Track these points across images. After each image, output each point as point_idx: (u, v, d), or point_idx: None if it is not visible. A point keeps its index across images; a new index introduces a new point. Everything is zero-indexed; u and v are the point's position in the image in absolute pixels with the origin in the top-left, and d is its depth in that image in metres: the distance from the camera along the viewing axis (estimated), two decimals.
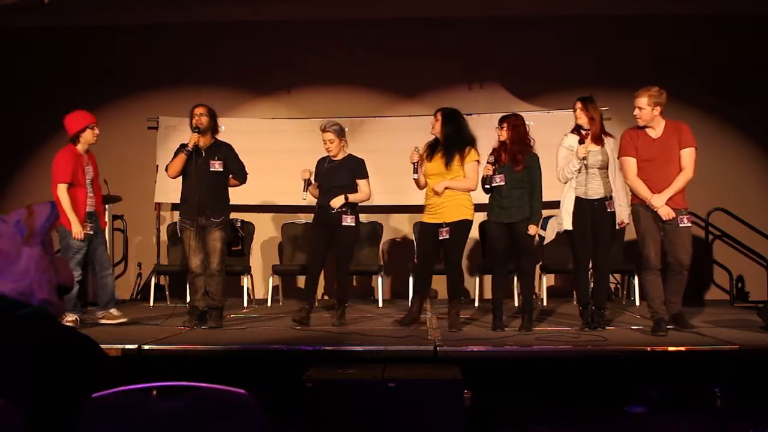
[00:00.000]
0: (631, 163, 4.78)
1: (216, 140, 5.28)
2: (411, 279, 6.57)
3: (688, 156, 4.72)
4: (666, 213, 4.64)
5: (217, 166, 5.17)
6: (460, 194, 5.05)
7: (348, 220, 5.22)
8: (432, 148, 5.14)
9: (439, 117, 5.08)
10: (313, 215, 5.50)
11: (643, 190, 4.71)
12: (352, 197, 5.23)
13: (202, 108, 5.24)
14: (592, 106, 4.90)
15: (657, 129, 4.76)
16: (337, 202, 5.19)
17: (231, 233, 6.77)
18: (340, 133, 5.32)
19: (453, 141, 5.05)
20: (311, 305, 5.32)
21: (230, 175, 5.31)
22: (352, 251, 5.46)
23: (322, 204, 5.29)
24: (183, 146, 5.20)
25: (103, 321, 5.28)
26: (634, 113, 4.76)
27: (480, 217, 7.68)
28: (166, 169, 5.28)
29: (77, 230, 5.05)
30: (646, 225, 4.72)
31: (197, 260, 5.22)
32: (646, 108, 4.69)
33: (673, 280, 4.77)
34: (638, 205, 4.77)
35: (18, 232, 1.58)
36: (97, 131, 5.28)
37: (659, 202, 4.64)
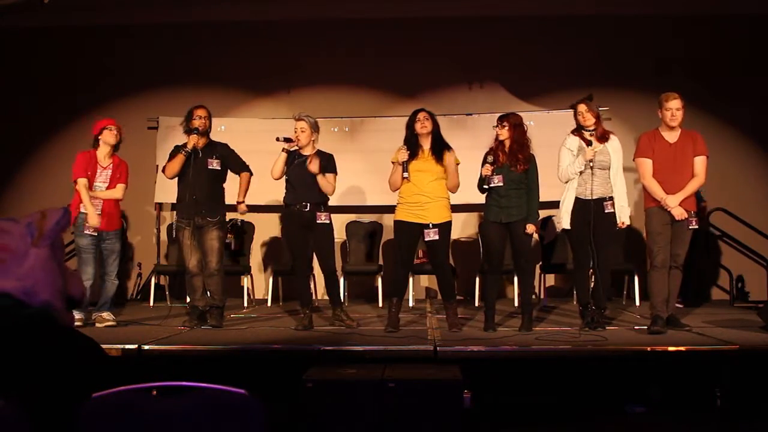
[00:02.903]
0: (647, 164, 4.87)
1: (211, 140, 5.33)
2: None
3: (701, 163, 4.85)
4: (679, 213, 4.76)
5: (214, 164, 5.22)
6: (444, 195, 5.01)
7: (322, 218, 5.09)
8: (412, 147, 5.00)
9: (428, 116, 5.03)
10: (283, 215, 5.33)
11: (658, 190, 4.81)
12: (320, 179, 5.06)
13: (203, 110, 5.28)
14: (593, 106, 4.94)
15: (674, 134, 4.85)
16: (314, 166, 5.00)
17: (234, 233, 6.83)
18: (314, 127, 5.17)
19: (440, 139, 5.05)
20: (311, 309, 5.27)
21: (238, 173, 5.35)
22: (332, 249, 5.26)
23: (291, 202, 5.11)
24: (178, 147, 5.23)
25: (96, 324, 5.29)
26: (670, 115, 4.78)
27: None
28: (164, 170, 5.30)
29: (94, 219, 5.26)
30: (657, 225, 4.82)
31: (194, 260, 5.23)
32: (681, 109, 4.79)
33: (669, 279, 4.84)
34: (652, 208, 4.86)
35: (28, 233, 1.61)
36: (115, 131, 5.42)
37: (674, 203, 4.75)
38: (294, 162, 5.12)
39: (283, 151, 5.08)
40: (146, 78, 7.93)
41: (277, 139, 5.09)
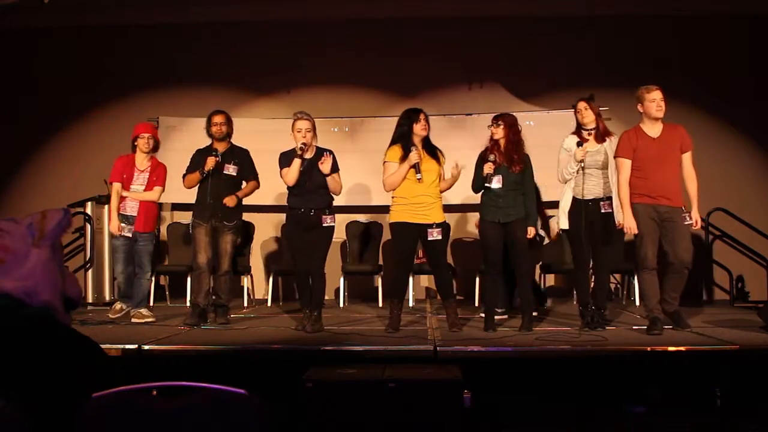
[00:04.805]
0: (626, 164, 4.77)
1: (232, 145, 5.39)
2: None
3: (689, 161, 4.78)
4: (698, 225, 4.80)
5: (231, 170, 5.29)
6: (440, 195, 5.01)
7: (328, 221, 4.99)
8: (405, 149, 4.90)
9: (426, 118, 4.98)
10: (286, 216, 5.19)
11: (625, 197, 4.72)
12: (330, 181, 4.98)
13: (221, 116, 5.34)
14: (594, 104, 4.95)
15: (656, 128, 4.78)
16: (326, 166, 4.88)
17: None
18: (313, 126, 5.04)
19: (429, 141, 5.02)
20: (311, 311, 5.25)
21: (246, 180, 5.41)
22: (325, 251, 5.10)
23: (296, 206, 5.00)
24: (199, 152, 5.33)
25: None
26: (655, 106, 4.70)
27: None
28: (183, 178, 5.39)
29: (113, 226, 5.54)
30: (644, 224, 4.71)
31: (205, 257, 5.30)
32: (664, 100, 4.75)
33: (673, 278, 4.75)
34: (637, 204, 4.75)
35: (29, 234, 1.62)
36: (146, 139, 5.60)
37: (696, 216, 4.73)
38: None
39: (299, 158, 4.92)
40: (146, 78, 7.92)
41: (301, 149, 4.91)
